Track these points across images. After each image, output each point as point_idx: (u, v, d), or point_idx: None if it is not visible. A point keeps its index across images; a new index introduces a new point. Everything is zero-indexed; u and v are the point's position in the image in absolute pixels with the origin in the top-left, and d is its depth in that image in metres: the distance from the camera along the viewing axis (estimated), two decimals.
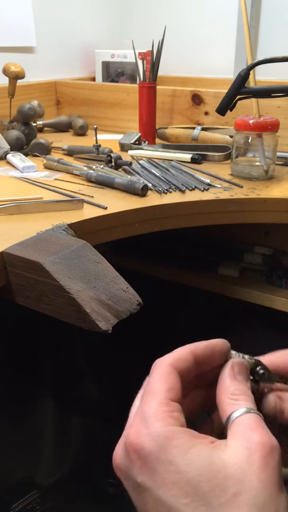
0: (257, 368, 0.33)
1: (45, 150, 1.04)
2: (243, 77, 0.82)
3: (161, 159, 1.02)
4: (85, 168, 0.92)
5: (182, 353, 0.31)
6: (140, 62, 1.19)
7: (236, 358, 0.33)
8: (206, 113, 1.17)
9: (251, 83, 0.89)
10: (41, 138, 1.06)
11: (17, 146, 1.05)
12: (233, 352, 0.33)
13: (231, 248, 1.10)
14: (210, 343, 0.32)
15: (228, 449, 0.26)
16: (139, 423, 0.27)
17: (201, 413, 0.34)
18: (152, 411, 0.27)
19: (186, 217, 0.80)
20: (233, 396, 0.30)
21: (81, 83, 1.39)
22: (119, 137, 1.14)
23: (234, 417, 0.28)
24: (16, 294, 0.59)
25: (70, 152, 1.05)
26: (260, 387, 0.33)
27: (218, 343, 0.32)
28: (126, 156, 1.02)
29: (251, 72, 0.84)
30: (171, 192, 0.83)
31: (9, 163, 0.99)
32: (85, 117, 1.34)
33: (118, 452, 0.29)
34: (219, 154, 1.02)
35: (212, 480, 0.25)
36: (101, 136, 1.22)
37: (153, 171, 0.92)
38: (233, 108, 0.85)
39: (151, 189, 0.83)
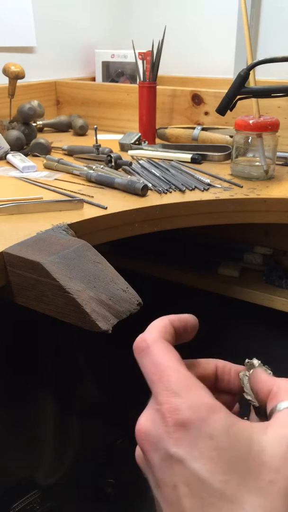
0: None
1: (45, 150, 1.04)
2: (243, 77, 0.82)
3: (161, 159, 1.02)
4: (85, 168, 0.92)
5: (166, 326, 0.30)
6: (140, 62, 1.19)
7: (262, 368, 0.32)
8: (206, 113, 1.17)
9: (251, 83, 0.89)
10: (41, 138, 1.07)
11: (17, 146, 1.05)
12: (256, 361, 0.32)
13: (231, 248, 1.10)
14: (183, 317, 0.32)
15: (268, 434, 0.26)
16: (174, 399, 0.26)
17: None
18: (184, 384, 0.27)
19: (186, 217, 0.80)
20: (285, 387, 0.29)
21: (81, 83, 1.39)
22: (119, 137, 1.14)
23: (283, 407, 0.27)
24: (16, 294, 0.59)
25: (70, 152, 1.05)
26: None
27: (190, 318, 0.32)
28: (126, 156, 1.02)
29: (251, 72, 0.84)
30: (171, 192, 0.83)
31: (9, 163, 0.99)
32: (85, 117, 1.34)
33: (147, 421, 0.28)
34: (219, 154, 1.02)
35: (250, 463, 0.24)
36: (101, 136, 1.22)
37: (153, 171, 0.92)
38: (233, 108, 0.85)
39: (151, 189, 0.83)
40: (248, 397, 0.31)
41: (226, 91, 0.84)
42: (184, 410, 0.26)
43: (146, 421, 0.28)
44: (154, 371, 0.28)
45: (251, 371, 0.32)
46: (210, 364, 0.33)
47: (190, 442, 0.25)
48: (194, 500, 0.25)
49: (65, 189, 0.82)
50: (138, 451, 0.30)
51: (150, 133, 1.15)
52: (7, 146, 1.03)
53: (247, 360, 0.32)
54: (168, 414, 0.26)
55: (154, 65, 1.10)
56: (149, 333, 0.30)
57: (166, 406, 0.26)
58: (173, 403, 0.26)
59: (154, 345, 0.29)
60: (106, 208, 0.73)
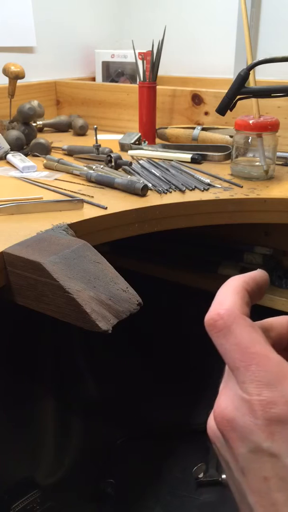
0: None
1: (45, 150, 1.04)
2: (243, 77, 0.82)
3: (161, 159, 1.02)
4: (85, 168, 0.92)
5: (243, 296, 0.27)
6: (140, 62, 1.19)
7: None
8: (206, 113, 1.17)
9: (251, 83, 0.89)
10: (41, 138, 1.07)
11: (17, 146, 1.05)
12: None
13: (231, 248, 1.10)
14: (255, 276, 0.29)
15: None
16: (269, 392, 0.24)
17: None
18: (277, 374, 0.24)
19: (186, 217, 0.80)
20: None
21: (81, 83, 1.39)
22: (119, 137, 1.14)
23: None
24: (16, 294, 0.59)
25: (70, 152, 1.05)
26: None
27: (261, 275, 0.29)
28: (126, 156, 1.02)
29: (251, 72, 0.83)
30: (171, 192, 0.83)
31: (9, 163, 0.99)
32: (85, 117, 1.34)
33: (232, 408, 0.26)
34: (219, 154, 1.02)
35: None
36: (101, 136, 1.22)
37: (153, 171, 0.92)
38: (233, 108, 0.85)
39: (151, 189, 0.83)
40: None
41: (226, 91, 0.84)
42: (280, 404, 0.24)
43: (229, 408, 0.26)
44: (239, 357, 0.25)
45: None
46: (282, 324, 0.30)
47: (286, 438, 0.24)
48: None
49: (65, 189, 0.82)
50: (212, 426, 0.28)
51: (150, 133, 1.15)
52: (7, 146, 1.03)
53: None
54: (260, 407, 0.24)
55: (154, 65, 1.10)
56: (225, 307, 0.26)
57: (257, 398, 0.24)
58: (267, 396, 0.24)
59: (236, 325, 0.26)
60: (106, 208, 0.73)
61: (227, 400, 0.26)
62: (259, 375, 0.25)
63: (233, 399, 0.26)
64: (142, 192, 0.80)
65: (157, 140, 1.17)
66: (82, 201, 0.74)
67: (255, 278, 0.28)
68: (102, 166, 0.92)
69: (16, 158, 0.98)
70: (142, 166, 0.95)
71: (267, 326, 0.30)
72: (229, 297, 0.27)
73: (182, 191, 0.83)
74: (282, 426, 0.24)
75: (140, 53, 1.24)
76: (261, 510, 0.25)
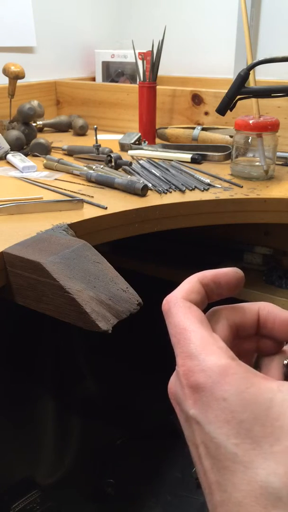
0: None
1: (45, 150, 1.04)
2: (243, 77, 0.82)
3: (161, 159, 1.02)
4: (85, 168, 0.92)
5: (193, 285, 0.30)
6: (140, 62, 1.19)
7: None
8: (206, 113, 1.17)
9: (251, 83, 0.89)
10: (41, 138, 1.07)
11: (17, 146, 1.05)
12: None
13: (231, 248, 1.10)
14: (218, 272, 0.31)
15: None
16: (189, 361, 0.26)
17: None
18: (200, 347, 0.26)
19: (186, 217, 0.80)
20: None
21: (81, 83, 1.39)
22: (119, 137, 1.14)
23: None
24: (16, 294, 0.59)
25: (70, 152, 1.05)
26: None
27: (227, 271, 0.31)
28: (126, 156, 1.02)
29: (251, 72, 0.83)
30: (171, 192, 0.83)
31: (9, 163, 0.99)
32: (85, 117, 1.34)
33: (173, 382, 0.29)
34: (219, 154, 1.02)
35: (267, 427, 0.23)
36: (101, 136, 1.22)
37: (153, 171, 0.92)
38: (233, 108, 0.85)
39: (151, 189, 0.83)
40: None
41: (226, 91, 0.84)
42: (197, 372, 0.26)
43: (171, 382, 0.29)
44: (173, 333, 0.28)
45: None
46: (251, 310, 0.32)
47: (204, 404, 0.25)
48: (212, 462, 0.25)
49: (65, 189, 0.82)
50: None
51: (150, 133, 1.15)
52: (7, 146, 1.03)
53: None
54: (183, 376, 0.26)
55: (154, 65, 1.10)
56: (173, 294, 0.30)
57: (182, 369, 0.26)
58: (187, 365, 0.26)
59: (175, 306, 0.29)
60: (106, 208, 0.73)
61: (172, 376, 0.29)
62: (184, 348, 0.27)
63: (174, 374, 0.29)
64: (142, 192, 0.80)
65: (157, 140, 1.17)
66: (82, 201, 0.74)
67: (216, 274, 0.31)
68: (102, 166, 0.92)
69: (16, 158, 0.98)
70: (142, 166, 0.95)
71: (233, 309, 0.32)
72: (180, 286, 0.30)
73: (182, 191, 0.83)
74: (199, 393, 0.25)
75: (140, 53, 1.24)
76: (200, 478, 0.26)
